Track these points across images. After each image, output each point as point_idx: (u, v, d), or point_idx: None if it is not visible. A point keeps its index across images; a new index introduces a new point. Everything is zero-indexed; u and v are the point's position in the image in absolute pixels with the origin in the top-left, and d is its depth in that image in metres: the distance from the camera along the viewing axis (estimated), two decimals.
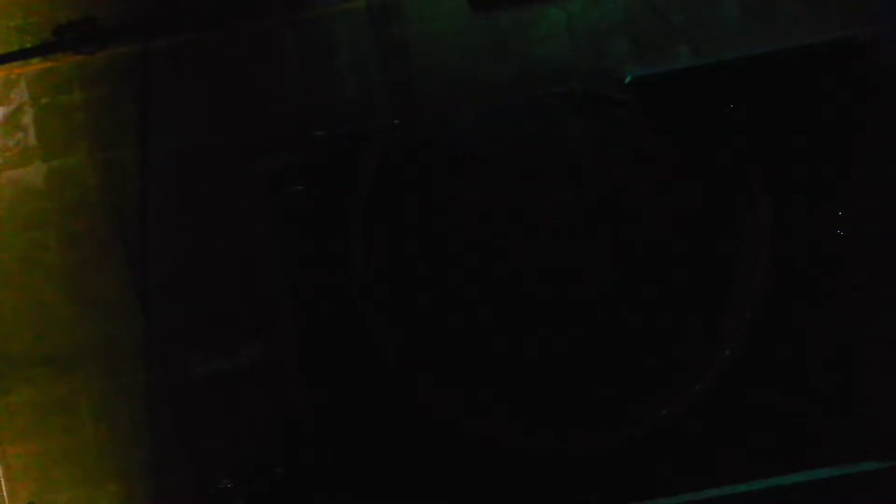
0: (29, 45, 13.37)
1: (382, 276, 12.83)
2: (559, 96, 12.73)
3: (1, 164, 13.48)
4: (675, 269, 12.66)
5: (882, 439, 12.36)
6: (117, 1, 13.21)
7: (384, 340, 12.91)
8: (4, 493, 13.38)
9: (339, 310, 12.96)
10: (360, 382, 12.97)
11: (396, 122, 12.88)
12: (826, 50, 12.17)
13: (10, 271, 13.46)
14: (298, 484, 12.88)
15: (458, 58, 12.87)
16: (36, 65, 13.44)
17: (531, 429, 12.79)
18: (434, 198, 12.81)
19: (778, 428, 12.53)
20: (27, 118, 13.46)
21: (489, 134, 12.81)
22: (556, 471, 12.57)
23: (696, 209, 12.62)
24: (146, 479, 13.28)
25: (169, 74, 13.21)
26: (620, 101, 12.65)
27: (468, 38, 12.86)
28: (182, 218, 13.21)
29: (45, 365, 13.39)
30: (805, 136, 12.37)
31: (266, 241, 13.04)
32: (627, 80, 12.51)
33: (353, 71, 12.97)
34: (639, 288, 12.68)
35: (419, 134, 12.88)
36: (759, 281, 12.57)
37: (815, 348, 12.59)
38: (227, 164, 13.13)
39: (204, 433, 13.34)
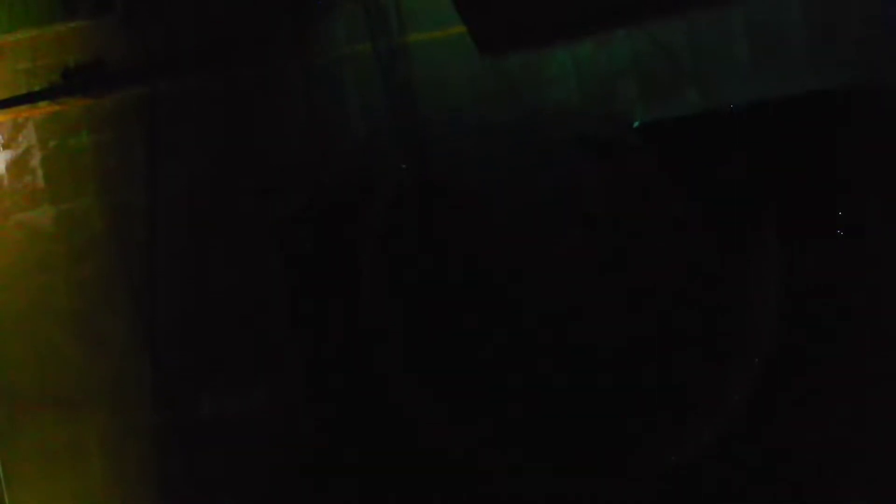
0: (37, 88, 13.39)
1: (390, 320, 12.79)
2: (568, 139, 12.69)
3: (9, 207, 13.50)
4: (685, 313, 12.58)
5: None
6: (125, 44, 13.23)
7: (392, 383, 12.88)
8: None
9: (346, 353, 12.93)
10: (366, 424, 12.95)
11: (404, 166, 12.87)
12: (837, 94, 12.09)
13: (18, 314, 13.48)
14: None
15: (466, 101, 12.85)
16: (44, 108, 13.47)
17: (540, 472, 12.74)
18: (442, 241, 12.78)
19: (791, 472, 12.45)
20: (35, 161, 13.49)
21: (497, 177, 12.78)
22: None
23: (705, 253, 12.55)
24: None
25: (177, 117, 13.22)
26: (629, 145, 12.60)
27: (476, 82, 12.84)
28: (190, 260, 13.21)
29: (53, 407, 13.40)
30: (816, 180, 12.29)
31: (274, 285, 13.04)
32: (636, 124, 12.46)
33: (360, 114, 12.96)
34: (647, 332, 12.61)
35: (427, 178, 12.85)
36: (770, 325, 12.49)
37: (828, 392, 12.49)
38: (235, 207, 13.13)
39: (212, 474, 13.34)
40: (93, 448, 13.32)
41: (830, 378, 12.46)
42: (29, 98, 13.37)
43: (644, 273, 12.59)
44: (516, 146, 12.73)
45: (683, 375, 12.64)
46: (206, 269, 13.18)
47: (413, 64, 12.89)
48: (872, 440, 12.43)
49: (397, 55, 12.89)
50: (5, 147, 13.49)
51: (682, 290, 12.57)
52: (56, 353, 13.40)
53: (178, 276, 13.23)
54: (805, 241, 12.40)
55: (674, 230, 12.55)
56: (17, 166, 13.49)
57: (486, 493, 12.51)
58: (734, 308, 12.61)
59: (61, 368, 13.37)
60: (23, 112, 13.47)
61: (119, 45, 13.24)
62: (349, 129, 12.96)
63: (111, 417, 13.32)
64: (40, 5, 13.22)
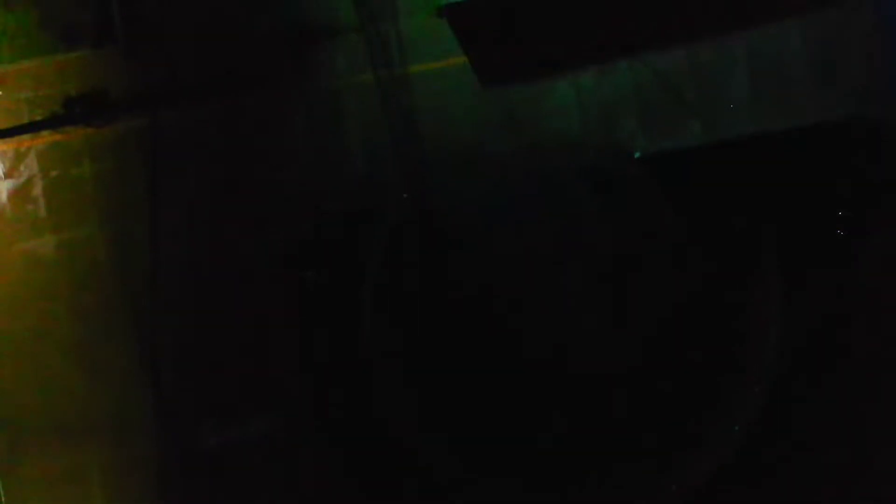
0: (39, 118, 13.38)
1: (393, 350, 12.82)
2: (569, 170, 12.71)
3: (11, 237, 13.51)
4: (686, 344, 12.61)
5: None
6: (127, 73, 13.23)
7: (394, 413, 12.91)
8: None
9: (349, 381, 12.96)
10: (367, 454, 12.98)
11: (406, 195, 12.89)
12: (838, 127, 12.11)
13: (20, 342, 13.48)
14: None
15: (468, 131, 12.86)
16: (46, 137, 13.47)
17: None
18: (444, 272, 12.80)
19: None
20: (37, 190, 13.49)
21: (499, 207, 12.79)
22: None
23: (706, 284, 12.57)
24: None
25: (178, 147, 13.22)
26: (631, 176, 12.62)
27: (477, 112, 12.84)
28: (192, 289, 13.21)
29: (55, 435, 13.40)
30: (817, 212, 12.32)
31: (276, 314, 13.05)
32: (637, 155, 12.48)
33: (362, 144, 12.96)
34: (649, 363, 12.64)
35: (429, 208, 12.87)
36: (770, 356, 12.52)
37: (828, 423, 12.53)
38: (237, 237, 13.14)
39: (214, 503, 13.36)
40: (94, 476, 13.33)
41: (829, 408, 12.52)
42: (31, 127, 13.37)
43: (645, 303, 12.62)
44: (517, 176, 12.75)
45: (683, 405, 12.67)
46: (207, 298, 13.19)
47: (414, 94, 12.90)
48: (872, 473, 12.49)
49: (398, 85, 12.90)
50: (7, 176, 13.50)
51: (683, 320, 12.60)
52: (58, 382, 13.41)
53: (179, 305, 13.23)
54: (806, 272, 12.44)
55: (675, 261, 12.58)
56: (19, 195, 13.50)
57: None
58: (735, 338, 12.65)
59: (63, 396, 13.37)
60: (25, 141, 13.48)
61: (120, 74, 13.24)
62: (350, 158, 12.97)
63: (113, 446, 13.32)
64: (42, 36, 13.22)
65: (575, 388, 12.67)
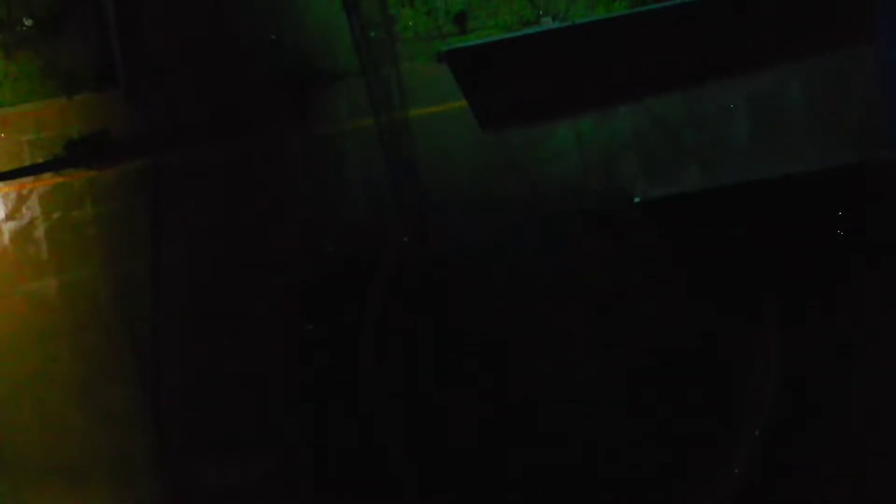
0: (41, 160, 13.45)
1: (394, 393, 12.87)
2: (569, 214, 12.75)
3: (14, 278, 13.56)
4: (686, 387, 12.65)
5: None
6: (129, 117, 13.28)
7: (395, 457, 12.96)
8: None
9: (347, 425, 13.01)
10: (365, 497, 13.04)
11: (406, 238, 12.94)
12: (838, 173, 12.14)
13: (23, 383, 13.55)
14: None
15: (469, 175, 12.90)
16: (48, 179, 13.53)
17: None
18: (445, 315, 12.85)
19: None
20: (40, 232, 13.56)
21: (499, 250, 12.84)
22: None
23: (706, 327, 12.61)
24: None
25: (180, 189, 13.28)
26: (631, 220, 12.66)
27: (478, 156, 12.89)
28: (194, 330, 13.28)
29: (58, 475, 13.48)
30: (817, 257, 12.35)
31: (277, 356, 13.11)
32: (637, 199, 12.52)
33: (363, 187, 13.01)
34: (649, 405, 12.68)
35: (430, 250, 12.92)
36: (769, 399, 12.56)
37: (826, 467, 12.57)
38: (238, 279, 13.20)
39: None
40: None
41: (827, 453, 12.56)
42: (33, 169, 13.44)
43: (644, 345, 12.65)
44: (517, 220, 12.79)
45: (683, 445, 12.72)
46: (209, 340, 13.25)
47: (414, 138, 12.94)
48: None
49: (399, 129, 12.95)
50: (10, 218, 13.57)
51: (682, 363, 12.64)
52: (61, 423, 13.49)
53: (181, 347, 13.30)
54: (805, 316, 12.47)
55: (674, 304, 12.61)
56: (21, 237, 13.57)
57: None
58: (734, 381, 12.68)
59: (66, 437, 13.45)
60: (27, 183, 13.55)
61: (122, 117, 13.29)
62: (351, 201, 13.01)
63: (116, 487, 13.41)
64: (44, 79, 13.27)
65: (575, 427, 12.71)
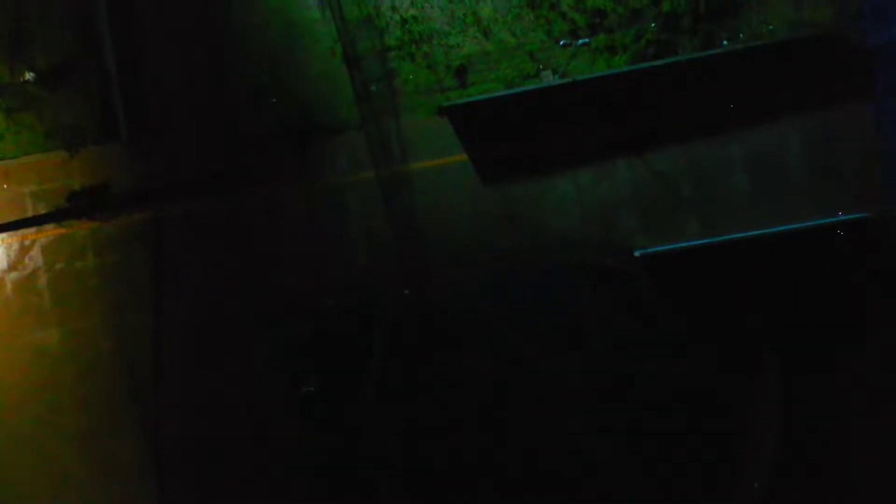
0: (43, 211, 13.53)
1: (395, 446, 12.92)
2: (569, 267, 12.79)
3: (17, 328, 13.62)
4: (683, 438, 12.68)
5: None
6: (131, 168, 13.34)
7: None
8: None
9: (348, 475, 13.06)
10: None
11: (407, 291, 12.98)
12: (837, 228, 12.17)
13: (25, 433, 13.61)
14: None
15: (469, 228, 12.95)
16: (50, 230, 13.59)
17: None
18: (446, 368, 12.89)
19: None
20: (42, 283, 13.62)
21: (500, 303, 12.88)
22: None
23: (705, 380, 12.65)
24: None
25: (181, 241, 13.32)
26: (630, 273, 12.70)
27: (478, 209, 12.93)
28: (196, 381, 13.33)
29: None
30: (817, 312, 12.39)
31: (278, 408, 13.15)
32: (637, 253, 12.56)
33: (363, 240, 13.05)
34: (647, 456, 12.72)
35: (430, 304, 12.97)
36: (768, 451, 12.60)
37: None
38: (239, 329, 13.24)
39: None
40: None
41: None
42: (35, 221, 13.50)
43: (643, 399, 12.69)
44: (517, 273, 12.83)
45: (681, 499, 12.76)
46: (211, 390, 13.30)
47: (415, 191, 12.99)
48: None
49: (399, 182, 13.00)
50: (12, 269, 13.63)
51: (681, 415, 12.67)
52: (63, 473, 13.54)
53: (183, 398, 13.35)
54: (805, 369, 12.50)
55: (673, 358, 12.65)
56: (23, 287, 13.63)
57: None
58: (733, 435, 12.71)
59: (69, 488, 13.51)
60: (30, 234, 13.61)
61: (124, 170, 13.34)
62: (352, 254, 13.06)
63: None
64: (47, 131, 13.34)
65: (577, 478, 12.75)
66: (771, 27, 12.57)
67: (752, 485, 12.69)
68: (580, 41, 11.27)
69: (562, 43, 11.45)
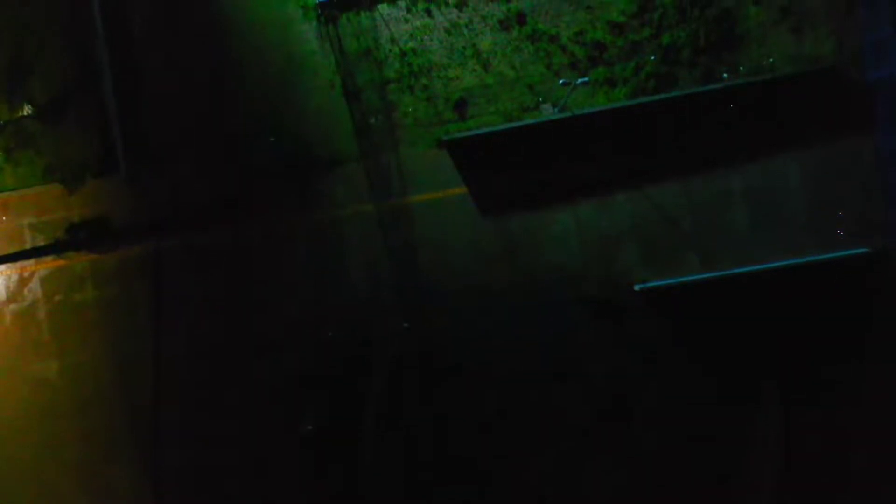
0: (42, 243, 13.50)
1: (394, 483, 12.90)
2: (568, 301, 12.77)
3: (16, 360, 13.59)
4: (684, 474, 12.66)
5: None
6: (130, 200, 13.30)
7: None
8: None
9: None
10: None
11: (406, 325, 12.96)
12: (837, 263, 12.14)
13: (25, 464, 13.61)
14: None
15: (468, 261, 12.90)
16: (49, 262, 13.56)
17: None
18: (445, 402, 12.87)
19: None
20: (41, 315, 13.60)
21: (498, 337, 12.85)
22: None
23: (704, 416, 12.62)
24: None
25: (181, 272, 13.29)
26: (630, 307, 12.67)
27: (478, 242, 12.89)
28: (194, 412, 13.32)
29: None
30: (817, 346, 12.36)
31: (277, 440, 13.14)
32: (637, 288, 12.53)
33: (362, 273, 13.00)
34: (643, 489, 12.70)
35: (429, 337, 12.94)
36: (769, 490, 12.57)
37: None
38: (239, 360, 13.21)
39: None
40: None
41: None
42: (34, 252, 13.50)
43: (644, 434, 12.66)
44: (516, 306, 12.80)
45: None
46: (210, 422, 13.29)
47: (414, 224, 12.95)
48: None
49: (399, 215, 12.96)
50: (11, 300, 13.62)
51: (681, 450, 12.65)
52: (63, 501, 13.57)
53: (181, 429, 13.34)
54: (806, 407, 12.45)
55: (674, 392, 12.62)
56: (23, 319, 13.62)
57: None
58: (733, 469, 12.68)
59: None
60: (29, 266, 13.60)
61: (123, 201, 13.31)
62: (352, 287, 13.03)
63: None
64: (46, 166, 13.31)
65: None
66: (771, 60, 12.52)
67: None
68: (579, 80, 11.22)
69: (561, 82, 11.39)
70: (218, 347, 13.25)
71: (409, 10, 12.94)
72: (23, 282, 13.60)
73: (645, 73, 12.64)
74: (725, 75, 12.56)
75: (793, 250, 12.35)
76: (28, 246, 13.55)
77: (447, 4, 12.89)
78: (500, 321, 12.82)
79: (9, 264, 13.59)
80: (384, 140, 12.99)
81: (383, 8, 12.96)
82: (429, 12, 12.93)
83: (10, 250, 13.55)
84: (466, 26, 12.89)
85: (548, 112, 12.75)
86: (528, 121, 12.53)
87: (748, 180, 12.45)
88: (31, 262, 13.56)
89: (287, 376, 13.09)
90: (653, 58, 12.64)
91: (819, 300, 12.30)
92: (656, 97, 12.32)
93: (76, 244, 13.41)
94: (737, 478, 12.59)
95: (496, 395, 12.76)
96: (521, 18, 12.81)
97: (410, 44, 12.94)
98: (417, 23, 12.95)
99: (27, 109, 12.99)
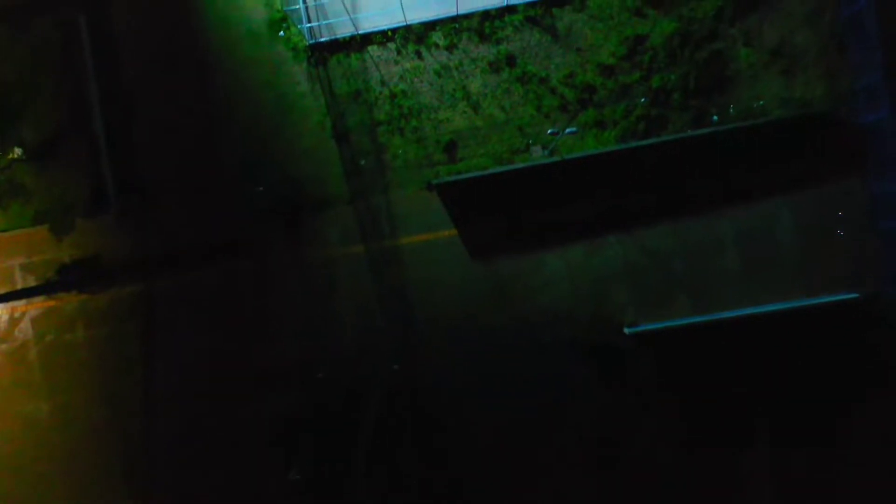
0: (33, 284, 13.51)
1: None
2: (559, 344, 12.73)
3: (8, 400, 13.61)
4: None
5: None
6: (121, 240, 13.29)
7: None
8: None
9: None
10: None
11: (396, 367, 12.94)
12: (828, 308, 12.09)
13: (18, 502, 13.63)
14: None
15: (458, 302, 12.88)
16: (40, 303, 13.57)
17: None
18: (434, 443, 12.85)
19: None
20: (32, 355, 13.59)
21: (488, 379, 12.82)
22: None
23: (694, 457, 12.58)
24: None
25: (172, 312, 13.27)
26: (621, 349, 12.64)
27: (468, 284, 12.86)
28: (187, 452, 13.30)
29: None
30: (807, 388, 12.32)
31: (271, 482, 13.13)
32: (627, 332, 12.49)
33: (353, 314, 12.98)
34: None
35: (419, 378, 12.92)
36: None
37: None
38: (231, 403, 13.19)
39: None
40: None
41: None
42: (25, 293, 13.49)
43: (636, 478, 12.63)
44: (507, 348, 12.77)
45: None
46: (203, 462, 13.27)
47: (404, 266, 12.93)
48: None
49: (389, 257, 12.95)
50: (2, 340, 13.61)
51: (671, 492, 12.61)
52: None
53: (175, 468, 13.33)
54: (797, 449, 12.42)
55: (664, 432, 12.58)
56: (14, 359, 13.61)
57: None
58: None
59: None
60: (19, 306, 13.60)
61: (114, 242, 13.30)
62: (342, 328, 13.01)
63: None
64: (36, 210, 13.31)
65: None
66: (762, 102, 12.48)
67: None
68: (567, 130, 11.19)
69: (549, 132, 11.36)
70: (209, 387, 13.22)
71: (399, 52, 12.93)
72: (14, 322, 13.60)
73: (635, 116, 12.61)
74: (716, 117, 12.53)
75: (784, 294, 12.33)
76: (19, 286, 13.54)
77: (437, 46, 12.88)
78: (491, 363, 12.79)
79: (0, 304, 13.58)
80: (374, 182, 12.97)
81: (373, 49, 12.95)
82: (419, 54, 12.91)
83: (1, 291, 13.54)
84: (456, 68, 12.87)
85: (538, 154, 12.73)
86: (518, 165, 12.51)
87: (739, 223, 12.41)
88: (23, 302, 13.56)
89: (277, 418, 13.06)
90: (643, 100, 12.61)
91: (810, 343, 12.27)
92: (645, 142, 12.30)
93: (67, 284, 13.41)
94: None
95: (486, 436, 12.73)
96: (510, 60, 12.79)
97: (400, 85, 12.92)
98: (407, 64, 12.93)
99: (17, 153, 12.98)
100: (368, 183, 12.99)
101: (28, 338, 13.60)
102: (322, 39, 12.93)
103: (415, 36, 12.87)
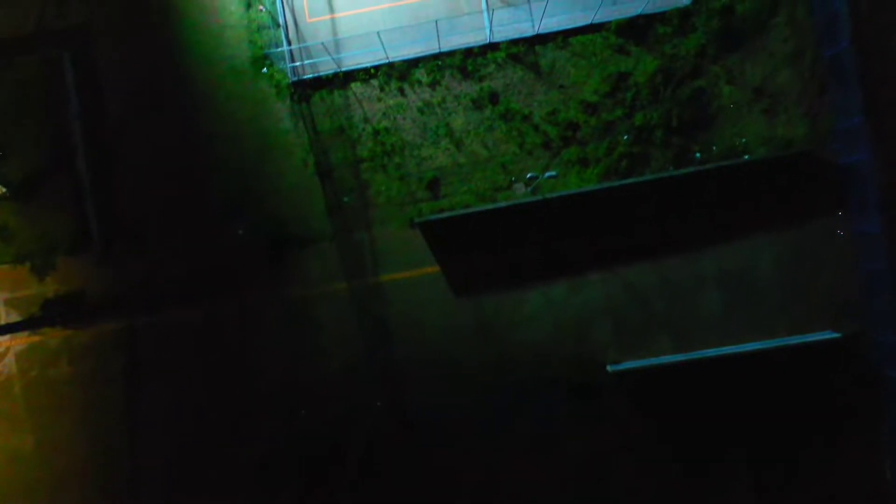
0: (17, 319, 13.51)
1: None
2: (541, 381, 12.75)
3: None
4: None
5: None
6: (105, 277, 13.29)
7: None
8: None
9: None
10: None
11: (379, 403, 12.95)
12: (810, 346, 12.11)
13: None
14: None
15: (441, 340, 12.88)
16: (24, 338, 13.58)
17: None
18: (417, 480, 12.87)
19: None
20: (16, 390, 13.60)
21: (471, 416, 12.83)
22: None
23: (677, 491, 12.61)
24: None
25: (156, 348, 13.28)
26: (602, 386, 12.65)
27: (451, 321, 12.87)
28: (170, 488, 13.32)
29: None
30: (787, 427, 12.34)
31: None
32: (609, 370, 12.51)
33: (336, 351, 12.99)
34: None
35: (403, 415, 12.93)
36: None
37: None
38: (215, 439, 13.20)
39: None
40: None
41: None
42: (9, 328, 13.47)
43: None
44: (490, 385, 12.79)
45: None
46: (186, 499, 13.29)
47: (387, 303, 12.94)
48: None
49: (371, 294, 12.95)
50: None
51: None
52: None
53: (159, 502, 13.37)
54: (777, 485, 12.45)
55: (646, 474, 12.61)
56: None
57: None
58: None
59: None
60: (3, 342, 13.58)
61: (98, 278, 13.29)
62: (325, 365, 13.01)
63: None
64: (19, 249, 13.32)
65: None
66: (744, 140, 12.50)
67: None
68: (547, 174, 11.21)
69: (528, 176, 11.37)
70: (193, 422, 13.24)
71: (382, 89, 12.94)
72: None
73: (618, 153, 12.62)
74: (698, 154, 12.55)
75: (765, 332, 12.35)
76: (2, 322, 13.54)
77: (420, 83, 12.89)
78: (474, 400, 12.81)
79: None
80: (357, 219, 12.98)
81: (356, 87, 12.96)
82: (402, 91, 12.93)
83: None
84: (439, 105, 12.88)
85: (520, 191, 12.74)
86: (500, 204, 12.51)
87: (721, 262, 12.43)
88: (6, 337, 13.55)
89: (260, 455, 13.08)
90: (626, 137, 12.63)
91: (792, 382, 12.30)
92: (627, 181, 12.30)
93: (51, 320, 13.42)
94: None
95: (470, 473, 12.74)
96: (493, 98, 12.81)
97: (383, 123, 12.93)
98: (390, 101, 12.94)
99: (1, 190, 12.98)
100: (352, 220, 13.00)
101: (12, 373, 13.61)
102: (305, 77, 12.94)
103: (398, 73, 12.88)
